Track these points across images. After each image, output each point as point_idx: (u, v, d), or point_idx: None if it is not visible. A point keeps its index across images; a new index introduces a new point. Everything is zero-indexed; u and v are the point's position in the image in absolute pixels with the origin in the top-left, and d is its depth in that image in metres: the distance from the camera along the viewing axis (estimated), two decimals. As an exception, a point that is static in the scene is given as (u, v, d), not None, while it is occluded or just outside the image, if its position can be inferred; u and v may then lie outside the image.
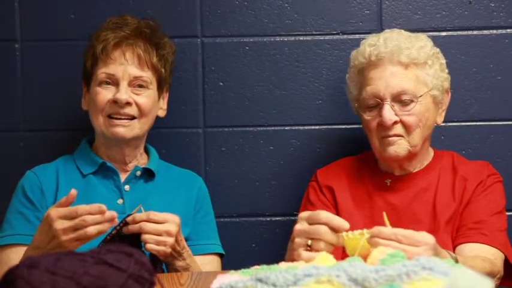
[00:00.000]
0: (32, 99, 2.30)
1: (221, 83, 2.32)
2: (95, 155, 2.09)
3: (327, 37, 2.32)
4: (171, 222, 1.79)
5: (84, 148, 2.12)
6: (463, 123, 2.30)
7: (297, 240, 1.56)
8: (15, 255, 1.92)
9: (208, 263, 2.06)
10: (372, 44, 2.02)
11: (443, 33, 2.29)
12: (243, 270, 1.39)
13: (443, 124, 2.17)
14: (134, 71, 2.02)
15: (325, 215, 1.54)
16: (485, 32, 2.31)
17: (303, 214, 1.59)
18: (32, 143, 2.21)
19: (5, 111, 2.31)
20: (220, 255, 2.13)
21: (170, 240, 1.78)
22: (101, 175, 2.06)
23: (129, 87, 2.02)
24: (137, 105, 2.02)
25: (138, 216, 1.78)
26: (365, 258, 1.37)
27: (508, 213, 2.05)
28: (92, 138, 2.13)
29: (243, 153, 2.33)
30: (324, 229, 1.52)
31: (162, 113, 2.14)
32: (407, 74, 1.98)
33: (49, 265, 1.26)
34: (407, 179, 2.06)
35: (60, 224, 1.67)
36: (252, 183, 2.33)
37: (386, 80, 1.97)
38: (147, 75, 2.04)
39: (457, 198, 2.01)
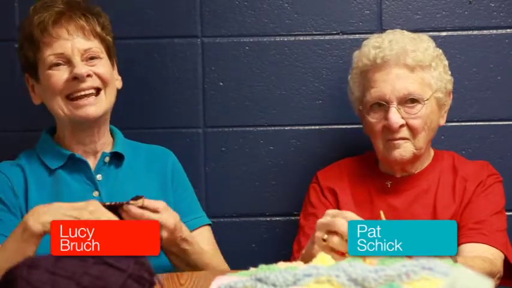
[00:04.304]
0: (32, 99, 2.30)
1: (221, 83, 2.32)
2: (59, 147, 1.98)
3: (327, 37, 2.32)
4: (164, 212, 1.77)
5: (46, 141, 2.01)
6: (463, 123, 2.30)
7: (317, 233, 1.58)
8: None
9: (199, 234, 2.02)
10: (377, 46, 2.01)
11: (443, 33, 2.29)
12: (240, 272, 1.38)
13: (443, 124, 2.16)
14: (82, 43, 1.92)
15: (348, 213, 1.56)
16: (485, 32, 2.31)
17: (331, 211, 1.61)
18: (31, 143, 2.20)
19: (4, 111, 2.31)
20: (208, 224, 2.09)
21: (165, 235, 1.78)
22: (70, 168, 1.95)
23: (82, 61, 1.91)
24: (97, 75, 1.92)
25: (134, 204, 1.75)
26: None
27: (507, 213, 2.05)
28: (51, 128, 2.04)
29: (243, 153, 2.33)
30: (341, 222, 1.53)
31: (119, 84, 2.02)
32: (413, 76, 1.98)
33: (49, 265, 1.26)
34: (408, 181, 2.06)
35: None
36: (252, 183, 2.33)
37: (392, 83, 1.97)
38: (96, 44, 1.94)
39: (457, 198, 2.01)
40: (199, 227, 2.05)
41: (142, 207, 1.75)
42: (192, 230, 1.99)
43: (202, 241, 2.01)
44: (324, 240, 1.56)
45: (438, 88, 2.00)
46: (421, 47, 2.00)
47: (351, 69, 2.10)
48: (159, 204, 1.78)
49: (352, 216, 1.55)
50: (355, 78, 2.07)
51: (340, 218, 1.54)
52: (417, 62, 1.98)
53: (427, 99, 1.98)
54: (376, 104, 1.99)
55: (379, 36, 2.05)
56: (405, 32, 2.06)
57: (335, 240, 1.53)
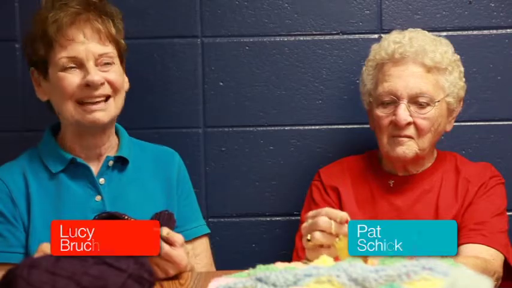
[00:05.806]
0: (32, 99, 2.29)
1: (221, 83, 2.32)
2: (62, 150, 1.92)
3: (327, 37, 2.32)
4: (180, 248, 1.66)
5: (48, 141, 1.95)
6: (463, 123, 2.30)
7: (303, 239, 1.60)
8: None
9: (198, 246, 2.01)
10: (397, 41, 2.01)
11: (443, 33, 2.29)
12: (236, 274, 1.38)
13: (449, 130, 2.16)
14: (97, 48, 1.86)
15: (325, 209, 1.59)
16: (485, 32, 2.31)
17: (309, 213, 1.63)
18: (32, 143, 2.21)
19: (5, 111, 2.31)
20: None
21: (173, 272, 1.67)
22: (71, 173, 1.91)
23: (96, 67, 1.86)
24: (109, 83, 1.87)
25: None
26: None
27: (508, 213, 2.05)
28: (54, 125, 1.99)
29: (243, 153, 2.33)
30: (320, 219, 1.56)
31: (126, 86, 1.97)
32: (428, 77, 1.98)
33: (49, 265, 1.26)
34: (410, 181, 2.06)
35: None
36: (252, 183, 2.33)
37: (406, 80, 1.97)
38: (111, 50, 1.88)
39: (460, 199, 2.01)
40: (199, 236, 2.03)
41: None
42: (191, 238, 1.98)
43: (201, 254, 2.01)
44: (309, 240, 1.58)
45: (450, 93, 2.01)
46: (440, 49, 2.01)
47: (366, 61, 2.09)
48: (179, 239, 1.67)
49: (328, 210, 1.58)
50: (370, 70, 2.07)
51: (320, 216, 1.57)
52: (435, 63, 1.98)
53: (438, 101, 1.98)
54: (387, 98, 1.99)
55: (400, 33, 2.06)
56: (427, 33, 2.06)
57: (317, 235, 1.56)
